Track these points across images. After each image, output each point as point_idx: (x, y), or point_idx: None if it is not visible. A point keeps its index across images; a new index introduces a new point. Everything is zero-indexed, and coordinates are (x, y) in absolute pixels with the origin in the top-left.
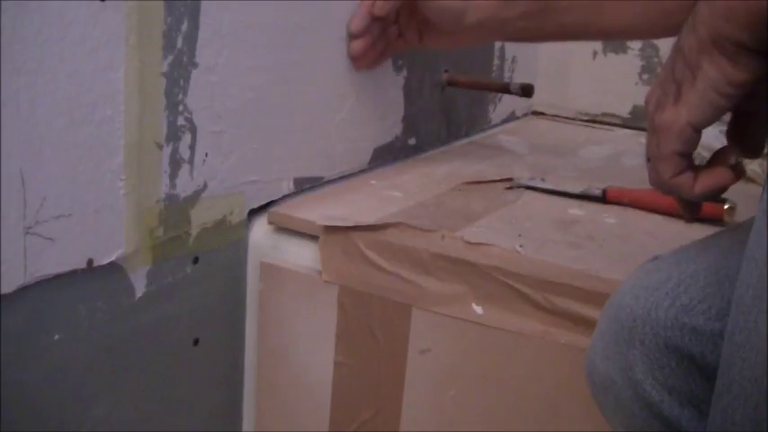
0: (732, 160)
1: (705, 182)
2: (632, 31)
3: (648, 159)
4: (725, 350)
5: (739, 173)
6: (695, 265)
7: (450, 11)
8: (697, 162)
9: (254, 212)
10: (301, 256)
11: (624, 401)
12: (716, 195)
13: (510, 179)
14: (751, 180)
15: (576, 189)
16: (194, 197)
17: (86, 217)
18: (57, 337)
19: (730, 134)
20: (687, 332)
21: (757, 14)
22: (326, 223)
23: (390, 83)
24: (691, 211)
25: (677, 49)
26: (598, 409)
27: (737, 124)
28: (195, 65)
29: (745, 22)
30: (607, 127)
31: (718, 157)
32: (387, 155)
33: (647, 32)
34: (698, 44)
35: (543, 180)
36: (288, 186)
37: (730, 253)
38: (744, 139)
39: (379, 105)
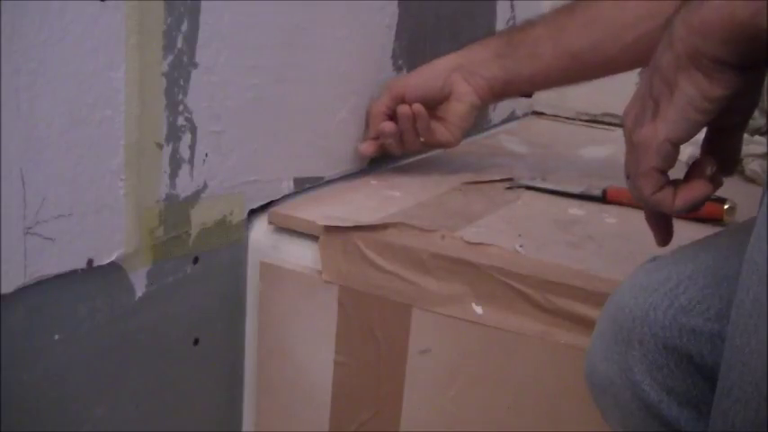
0: (709, 171)
1: (685, 195)
2: (598, 50)
3: (628, 177)
4: (725, 353)
5: (717, 183)
6: (694, 266)
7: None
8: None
9: (254, 212)
10: (301, 256)
11: (623, 402)
12: (696, 208)
13: (510, 179)
14: (751, 180)
15: (576, 189)
16: (194, 197)
17: (86, 217)
18: (57, 337)
19: (705, 149)
20: (686, 333)
21: (733, 28)
22: (326, 223)
23: None
24: (664, 236)
25: (654, 67)
26: (598, 409)
27: (712, 139)
28: (195, 65)
29: (721, 37)
30: (607, 127)
31: (695, 170)
32: (387, 155)
33: (612, 49)
34: (675, 61)
35: (543, 180)
36: (288, 186)
37: (729, 254)
38: (719, 154)
39: None
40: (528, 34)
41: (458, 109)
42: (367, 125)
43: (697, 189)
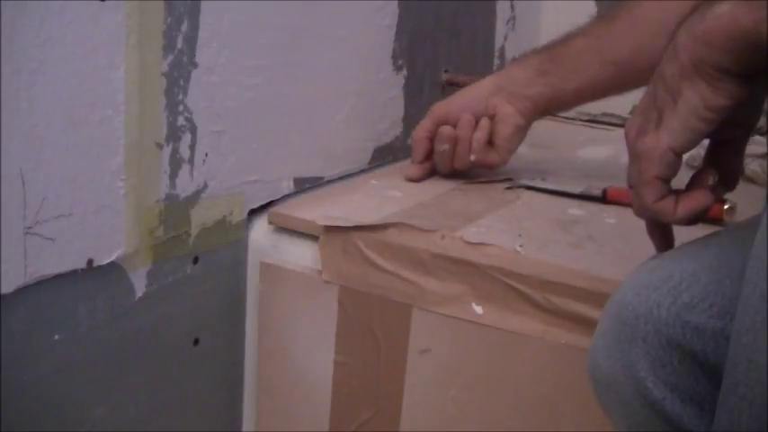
0: (710, 182)
1: (687, 205)
2: (643, 54)
3: (631, 187)
4: (731, 351)
5: (718, 195)
6: (696, 263)
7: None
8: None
9: (254, 212)
10: (301, 256)
11: (626, 399)
12: (697, 219)
13: (510, 179)
14: (751, 180)
15: (576, 189)
16: (194, 197)
17: (86, 217)
18: (57, 337)
19: (707, 162)
20: (689, 330)
21: (736, 36)
22: (326, 223)
23: (390, 83)
24: (665, 246)
25: (658, 77)
26: (600, 406)
27: (714, 154)
28: (195, 65)
29: (724, 45)
30: (607, 127)
31: (696, 180)
32: (387, 155)
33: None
34: (679, 70)
35: (543, 180)
36: (288, 186)
37: (731, 251)
38: (720, 170)
39: (379, 105)
40: (569, 47)
41: (503, 131)
42: (412, 151)
43: (698, 199)
